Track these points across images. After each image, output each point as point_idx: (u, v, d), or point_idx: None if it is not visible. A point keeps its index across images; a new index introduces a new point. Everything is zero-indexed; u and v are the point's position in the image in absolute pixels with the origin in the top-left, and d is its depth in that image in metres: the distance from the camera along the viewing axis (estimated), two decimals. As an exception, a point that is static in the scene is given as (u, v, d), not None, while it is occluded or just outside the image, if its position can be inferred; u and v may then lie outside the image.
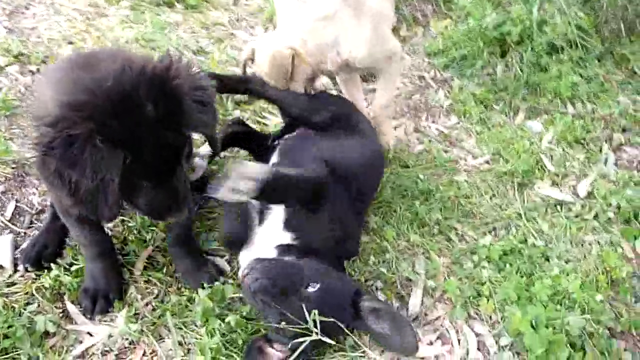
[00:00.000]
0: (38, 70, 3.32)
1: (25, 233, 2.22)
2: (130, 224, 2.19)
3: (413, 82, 3.36)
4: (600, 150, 2.63)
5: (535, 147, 2.66)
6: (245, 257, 1.88)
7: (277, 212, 1.89)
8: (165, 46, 3.67)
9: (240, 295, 1.90)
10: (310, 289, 1.57)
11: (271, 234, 1.87)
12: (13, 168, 2.45)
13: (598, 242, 2.15)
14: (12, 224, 2.25)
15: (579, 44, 3.18)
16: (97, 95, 1.35)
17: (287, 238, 1.85)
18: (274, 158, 2.15)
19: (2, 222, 2.24)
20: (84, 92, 1.37)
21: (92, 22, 4.03)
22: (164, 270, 2.03)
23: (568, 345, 1.66)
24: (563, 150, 2.65)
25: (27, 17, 4.04)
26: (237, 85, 2.51)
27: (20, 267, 2.00)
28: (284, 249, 1.83)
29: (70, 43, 3.70)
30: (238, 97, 3.08)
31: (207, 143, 1.82)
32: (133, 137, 1.37)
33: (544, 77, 3.07)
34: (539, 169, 2.52)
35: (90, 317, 1.87)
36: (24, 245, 2.09)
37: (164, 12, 4.25)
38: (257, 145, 2.53)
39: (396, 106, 3.05)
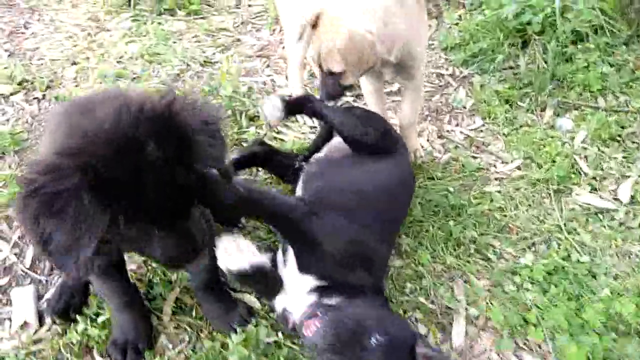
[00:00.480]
0: (44, 97, 3.24)
1: (46, 280, 2.15)
2: (154, 265, 2.11)
3: (431, 81, 3.22)
4: (638, 148, 2.49)
5: (568, 148, 2.53)
6: (281, 300, 1.79)
7: (291, 257, 1.81)
8: (171, 60, 3.56)
9: (276, 339, 1.83)
10: (374, 341, 1.48)
11: (297, 278, 1.78)
12: (28, 210, 2.36)
13: (645, 252, 2.03)
14: (32, 271, 2.18)
15: (605, 29, 3.01)
16: (92, 141, 1.22)
17: (310, 281, 1.76)
18: (299, 190, 2.04)
19: (22, 270, 2.17)
20: (78, 137, 1.25)
21: (94, 38, 3.91)
22: (193, 314, 1.96)
23: (629, 378, 1.56)
24: (598, 149, 2.51)
25: (27, 37, 3.95)
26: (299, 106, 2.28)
27: (48, 320, 1.93)
28: (316, 291, 1.74)
29: (74, 63, 3.60)
30: (252, 112, 2.98)
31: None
32: (135, 181, 1.22)
33: (570, 69, 2.91)
34: (574, 173, 2.39)
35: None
36: (48, 295, 2.03)
37: (166, 20, 4.12)
38: (279, 166, 2.43)
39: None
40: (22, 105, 3.18)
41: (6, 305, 2.05)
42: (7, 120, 3.06)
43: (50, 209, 1.15)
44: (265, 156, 2.43)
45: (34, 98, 3.23)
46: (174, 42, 3.84)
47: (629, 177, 2.35)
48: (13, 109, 3.15)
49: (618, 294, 1.83)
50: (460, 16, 3.65)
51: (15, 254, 2.23)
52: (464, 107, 2.94)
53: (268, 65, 3.55)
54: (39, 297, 2.05)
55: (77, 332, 1.85)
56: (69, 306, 1.94)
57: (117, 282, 1.79)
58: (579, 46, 2.98)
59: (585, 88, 2.83)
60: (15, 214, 1.19)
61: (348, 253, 1.76)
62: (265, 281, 1.71)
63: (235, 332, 1.82)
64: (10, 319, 1.98)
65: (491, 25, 3.26)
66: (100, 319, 1.88)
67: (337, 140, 2.22)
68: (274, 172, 2.46)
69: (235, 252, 1.64)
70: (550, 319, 1.78)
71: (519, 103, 2.87)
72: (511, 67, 3.12)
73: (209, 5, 4.33)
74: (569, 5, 3.04)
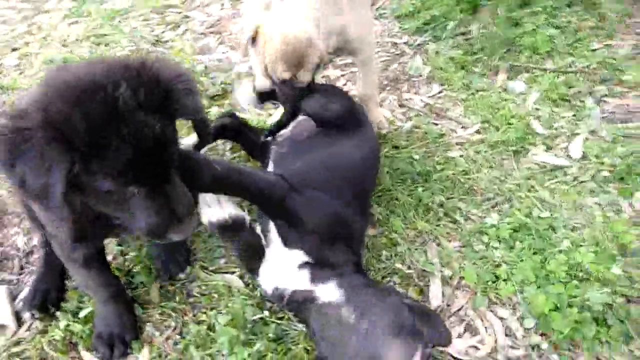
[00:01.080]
0: (-14, 87, 3.05)
1: (17, 280, 2.09)
2: (132, 254, 2.09)
3: (387, 51, 3.26)
4: (585, 106, 2.64)
5: (522, 109, 2.65)
6: (268, 275, 1.82)
7: (274, 233, 1.84)
8: (119, 41, 3.42)
9: (262, 316, 1.87)
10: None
11: (283, 255, 1.82)
12: (-13, 209, 2.27)
13: (599, 204, 2.19)
14: (2, 270, 2.11)
15: (548, -8, 3.14)
16: (58, 86, 1.22)
17: (299, 256, 1.79)
18: (270, 169, 2.06)
19: (-11, 271, 2.10)
20: (47, 86, 1.25)
21: (32, 21, 3.70)
22: (177, 298, 1.97)
23: (593, 320, 1.71)
24: (550, 109, 2.65)
25: (-42, 23, 3.69)
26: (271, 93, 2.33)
27: (27, 318, 1.89)
28: (306, 266, 1.78)
29: (14, 49, 3.40)
30: (211, 91, 2.93)
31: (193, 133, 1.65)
32: (106, 126, 1.19)
33: (519, 33, 3.03)
34: (529, 134, 2.52)
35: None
36: (23, 295, 1.97)
37: (109, -1, 3.93)
38: (248, 140, 2.43)
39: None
40: (-37, 98, 2.99)
41: (-22, 308, 1.98)
42: (-52, 114, 2.88)
43: (16, 147, 1.16)
44: (234, 129, 2.42)
45: (-25, 90, 3.04)
46: (120, 22, 3.69)
47: (578, 134, 2.50)
48: (-47, 103, 2.96)
49: (577, 245, 1.98)
50: (410, -17, 3.68)
51: (-20, 256, 2.15)
52: (421, 75, 3.01)
53: (221, 42, 3.48)
54: (14, 298, 2.00)
55: (59, 328, 1.83)
56: (45, 301, 1.91)
57: (100, 274, 1.78)
58: (527, 10, 3.08)
59: (534, 51, 2.95)
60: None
61: (329, 227, 1.80)
62: (246, 237, 1.74)
63: (172, 277, 1.99)
64: (-15, 323, 1.92)
65: (442, -8, 3.32)
66: (82, 314, 1.87)
67: (302, 117, 2.24)
68: (242, 146, 2.46)
69: (216, 204, 1.67)
70: (519, 273, 1.91)
71: (473, 68, 2.96)
72: (463, 33, 3.20)
73: (151, -19, 4.12)
74: (514, -31, 3.14)
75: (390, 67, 3.11)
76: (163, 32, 3.58)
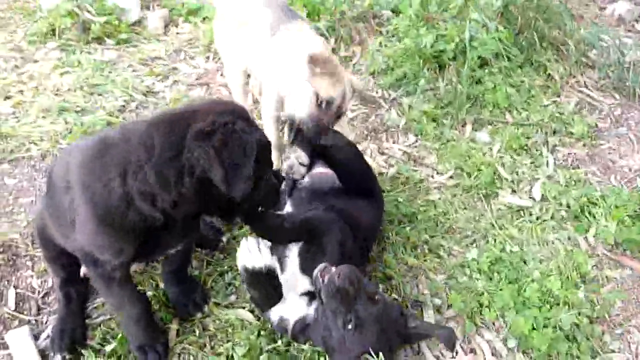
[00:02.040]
0: (-17, 136, 3.13)
1: (36, 321, 2.18)
2: (150, 293, 2.23)
3: (364, 104, 3.60)
4: (541, 154, 3.05)
5: (488, 157, 3.02)
6: (276, 310, 2.02)
7: (293, 259, 2.06)
8: (112, 91, 3.60)
9: (275, 346, 2.05)
10: (378, 296, 1.79)
11: (294, 281, 2.03)
12: (1, 252, 2.37)
13: (559, 239, 2.54)
14: (19, 312, 2.20)
15: (503, 55, 3.60)
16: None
17: (306, 283, 2.02)
18: (288, 207, 2.29)
19: (7, 313, 2.19)
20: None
21: (22, 70, 3.82)
22: (196, 333, 2.12)
23: (565, 338, 2.01)
24: (511, 157, 3.03)
25: (-53, 71, 3.75)
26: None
27: (57, 358, 1.99)
28: (310, 296, 2.00)
29: (8, 97, 3.51)
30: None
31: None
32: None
33: (481, 90, 3.45)
34: (497, 179, 2.88)
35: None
36: (47, 334, 2.07)
37: (96, 50, 4.11)
38: None
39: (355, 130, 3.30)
40: (-40, 147, 3.05)
41: (1, 349, 2.06)
42: (-49, 162, 2.94)
43: (224, 141, 1.55)
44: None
45: (-27, 138, 3.12)
46: (110, 72, 3.86)
47: (538, 179, 2.89)
48: (-49, 151, 3.02)
49: (546, 274, 2.30)
50: (381, 43, 4.09)
51: (-4, 298, 2.23)
52: (398, 126, 3.35)
53: (210, 93, 3.72)
54: (36, 337, 2.08)
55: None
56: (73, 341, 2.02)
57: (132, 293, 1.95)
58: (486, 70, 3.53)
59: (495, 106, 3.38)
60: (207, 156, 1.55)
61: (344, 257, 2.04)
62: (271, 285, 1.94)
63: (191, 316, 2.17)
64: (9, 363, 2.00)
65: (411, 52, 3.73)
66: (108, 348, 1.99)
67: (320, 169, 2.47)
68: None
69: (256, 252, 1.88)
70: (499, 300, 2.20)
71: (443, 120, 3.33)
72: (432, 89, 3.59)
73: (136, 34, 4.34)
74: (474, 35, 3.59)
75: (369, 118, 3.44)
76: (153, 83, 3.78)
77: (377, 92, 3.69)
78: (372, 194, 2.40)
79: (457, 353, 2.07)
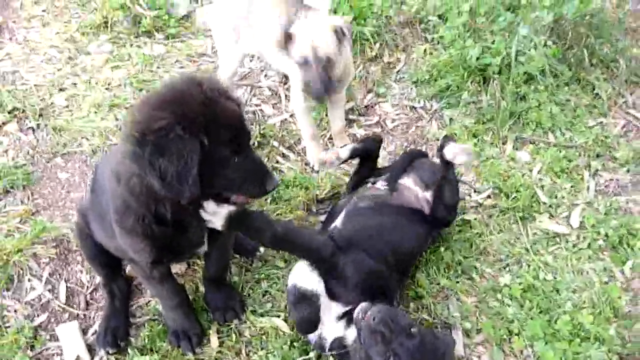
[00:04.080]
0: (38, 126, 3.30)
1: (84, 315, 2.33)
2: (191, 296, 2.34)
3: (405, 114, 3.61)
4: (582, 179, 3.02)
5: (527, 179, 3.00)
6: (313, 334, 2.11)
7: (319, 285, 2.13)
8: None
9: (307, 358, 2.14)
10: (414, 330, 1.87)
11: (328, 304, 2.10)
12: (54, 247, 2.51)
13: (594, 269, 2.53)
14: (69, 306, 2.34)
15: (550, 72, 3.54)
16: (175, 96, 1.59)
17: (339, 307, 2.09)
18: (340, 217, 2.37)
19: (58, 306, 2.33)
20: (163, 96, 1.61)
21: (76, 62, 3.97)
22: (234, 338, 2.23)
23: (592, 375, 2.03)
24: (552, 180, 3.01)
25: (2, 59, 3.93)
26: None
27: (100, 352, 2.13)
28: (343, 317, 2.07)
29: (62, 90, 3.66)
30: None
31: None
32: (212, 116, 1.58)
33: (525, 107, 3.41)
34: (535, 202, 2.87)
35: (193, 352, 2.16)
36: (94, 330, 2.22)
37: (145, 44, 4.23)
38: (367, 168, 2.75)
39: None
40: (17, 135, 3.23)
41: (50, 340, 2.21)
42: (6, 151, 3.12)
43: (158, 148, 1.50)
44: (370, 154, 2.73)
45: (29, 127, 3.29)
46: (158, 68, 3.97)
47: (577, 205, 2.86)
48: (9, 139, 3.20)
49: (579, 307, 2.31)
50: (425, 51, 4.07)
51: (49, 290, 2.38)
52: (437, 139, 3.36)
53: (254, 95, 3.79)
54: (83, 331, 2.23)
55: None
56: (116, 338, 2.15)
57: (171, 286, 2.11)
58: (531, 87, 3.48)
59: (538, 124, 3.34)
60: (133, 161, 1.53)
61: (368, 282, 2.11)
62: (314, 310, 2.02)
63: (227, 322, 2.29)
64: (59, 354, 2.15)
65: (455, 64, 3.70)
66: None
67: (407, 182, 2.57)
68: (359, 169, 2.74)
69: (309, 274, 1.99)
70: (529, 330, 2.22)
71: (484, 137, 3.32)
72: (474, 102, 3.57)
73: (185, 28, 4.44)
74: (521, 50, 3.54)
75: (409, 130, 3.46)
76: (199, 80, 3.88)
77: (419, 102, 3.70)
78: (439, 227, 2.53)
79: (483, 379, 2.12)
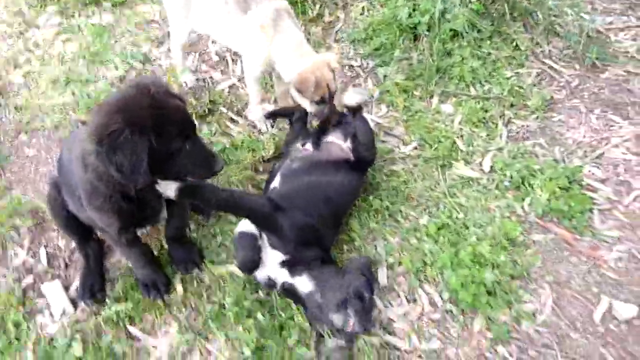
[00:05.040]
0: (-1, 105, 3.51)
1: (65, 275, 2.71)
2: (160, 253, 2.73)
3: (344, 73, 3.93)
4: (497, 127, 3.44)
5: (449, 130, 3.42)
6: (260, 274, 2.53)
7: (263, 235, 2.54)
8: (113, 60, 3.90)
9: (258, 296, 2.59)
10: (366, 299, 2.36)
11: (269, 253, 2.52)
12: (31, 217, 2.84)
13: (499, 207, 3.00)
14: (51, 268, 2.72)
15: (473, 27, 3.88)
16: (120, 101, 1.95)
17: (279, 255, 2.51)
18: (277, 179, 2.76)
19: (42, 269, 2.70)
20: (115, 102, 1.97)
21: (27, 37, 4.09)
22: (195, 284, 2.65)
23: (486, 293, 2.53)
24: (470, 130, 3.43)
25: (-47, 36, 4.03)
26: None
27: (82, 304, 2.54)
28: (285, 264, 2.50)
29: (17, 67, 3.83)
30: (200, 110, 3.51)
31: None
32: (158, 114, 1.93)
33: (450, 63, 3.77)
34: (454, 151, 3.30)
35: (162, 299, 2.56)
36: (75, 287, 2.61)
37: (93, 13, 4.37)
38: (299, 126, 3.20)
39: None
40: (-20, 115, 3.44)
41: (37, 298, 2.60)
42: (-27, 132, 3.34)
43: (113, 148, 1.85)
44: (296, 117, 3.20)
45: (-10, 107, 3.49)
46: (108, 39, 4.14)
47: (490, 151, 3.30)
48: (-27, 119, 3.41)
49: (481, 239, 2.79)
50: (363, 8, 4.33)
51: (31, 256, 2.74)
52: (372, 97, 3.71)
53: (203, 61, 4.03)
54: (65, 288, 2.62)
55: (109, 309, 2.48)
56: (93, 292, 2.55)
57: (139, 249, 2.50)
58: (456, 43, 3.82)
59: (461, 79, 3.71)
60: (95, 157, 1.89)
61: (303, 236, 2.52)
62: (255, 249, 2.44)
63: (189, 272, 2.69)
64: (47, 309, 2.54)
65: (389, 22, 4.00)
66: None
67: (332, 139, 2.96)
68: (291, 126, 3.24)
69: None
70: (440, 261, 2.70)
71: (414, 92, 3.69)
72: (406, 59, 3.90)
73: (130, -6, 4.54)
74: (448, 8, 3.84)
75: (347, 88, 3.79)
76: (150, 50, 4.08)
77: (356, 61, 4.01)
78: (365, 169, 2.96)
79: (401, 302, 2.61)
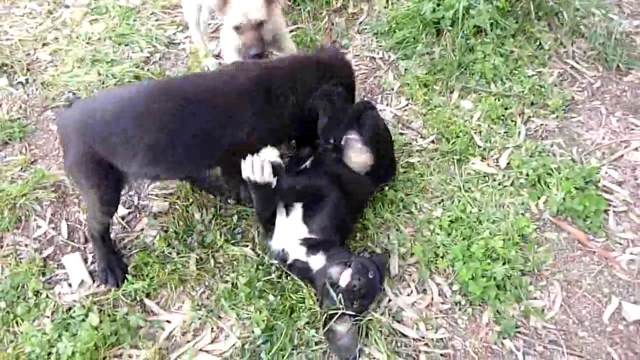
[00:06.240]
0: (27, 81, 3.60)
1: (84, 247, 2.78)
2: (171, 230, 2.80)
3: (365, 64, 3.95)
4: (515, 125, 3.44)
5: (467, 124, 3.42)
6: (279, 238, 2.58)
7: (297, 208, 2.58)
8: (138, 42, 3.98)
9: (270, 278, 2.64)
10: (370, 276, 2.38)
11: (294, 227, 2.56)
12: (53, 191, 2.92)
13: (514, 203, 3.01)
14: (71, 240, 2.79)
15: (499, 24, 3.86)
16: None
17: (304, 231, 2.55)
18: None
19: (62, 240, 2.78)
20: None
21: (55, 16, 4.18)
22: (211, 263, 2.71)
23: (495, 287, 2.55)
24: (488, 126, 3.43)
25: (-17, 14, 4.13)
26: None
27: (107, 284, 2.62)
28: (305, 242, 2.54)
29: (45, 44, 3.92)
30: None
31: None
32: None
33: (471, 59, 3.77)
34: (471, 146, 3.30)
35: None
36: (92, 259, 2.68)
37: (122, -6, 4.42)
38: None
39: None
40: (9, 90, 3.54)
41: (58, 269, 2.68)
42: (0, 105, 3.44)
43: (332, 101, 2.64)
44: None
45: (18, 82, 3.60)
46: (135, 21, 4.21)
47: (507, 148, 3.30)
48: (1, 94, 3.51)
49: (494, 234, 2.80)
50: (387, 1, 4.34)
51: (53, 228, 2.82)
52: (392, 89, 3.73)
53: (225, 46, 4.07)
54: (84, 260, 2.70)
55: (131, 284, 2.55)
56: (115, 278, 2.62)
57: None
58: (479, 40, 3.82)
59: (482, 75, 3.71)
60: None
61: (334, 223, 2.57)
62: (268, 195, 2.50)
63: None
64: (66, 280, 2.62)
65: (412, 16, 4.01)
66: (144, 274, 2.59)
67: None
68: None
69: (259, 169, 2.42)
70: (452, 253, 2.72)
71: (434, 87, 3.70)
72: (428, 54, 3.91)
73: (159, -23, 4.60)
74: (472, 4, 3.84)
75: (368, 79, 3.82)
76: (174, 33, 4.15)
77: (378, 53, 4.02)
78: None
79: (411, 291, 2.64)
